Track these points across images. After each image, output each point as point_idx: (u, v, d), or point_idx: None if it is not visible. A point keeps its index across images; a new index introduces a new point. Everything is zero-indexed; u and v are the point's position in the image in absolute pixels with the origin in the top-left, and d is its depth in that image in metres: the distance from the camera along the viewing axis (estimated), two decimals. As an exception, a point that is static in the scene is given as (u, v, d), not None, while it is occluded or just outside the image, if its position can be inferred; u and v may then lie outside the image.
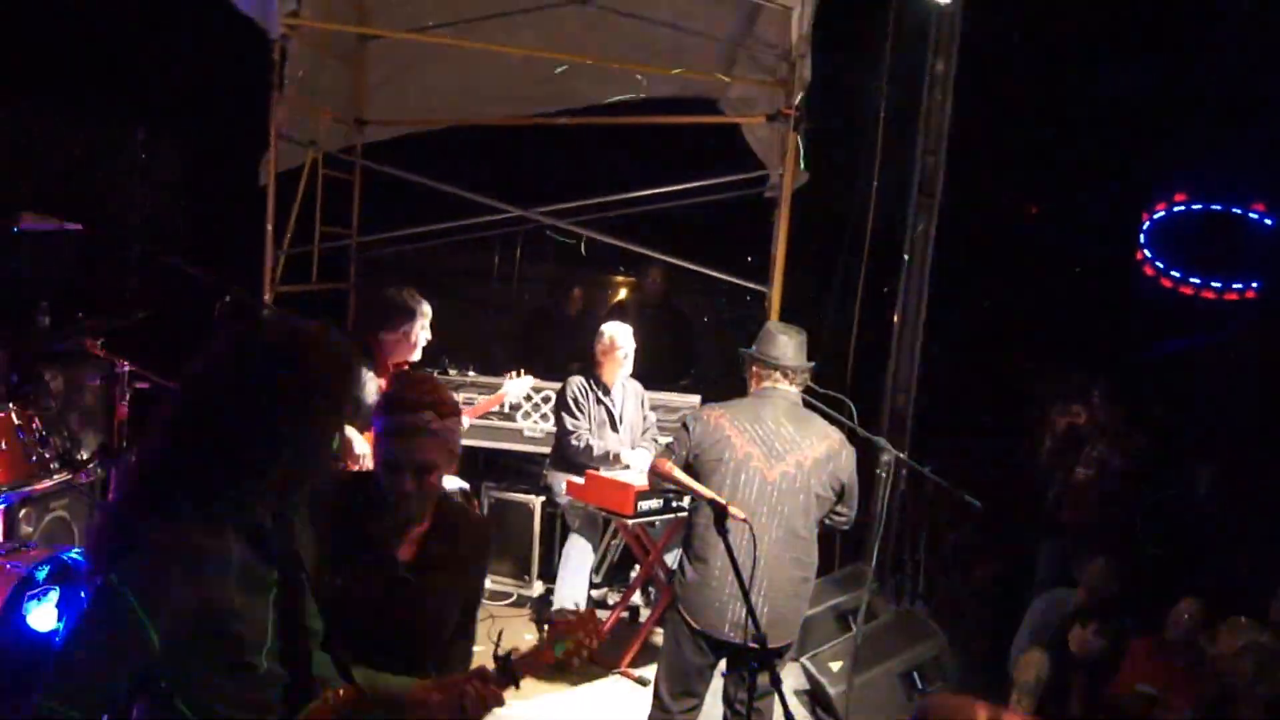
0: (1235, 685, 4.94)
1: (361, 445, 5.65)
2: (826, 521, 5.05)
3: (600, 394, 7.55)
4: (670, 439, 5.22)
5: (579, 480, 7.09)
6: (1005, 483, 8.47)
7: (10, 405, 5.54)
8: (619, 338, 7.51)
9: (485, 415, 8.08)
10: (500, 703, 2.93)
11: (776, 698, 3.69)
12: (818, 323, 8.26)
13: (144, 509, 2.24)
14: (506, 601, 8.00)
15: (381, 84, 9.30)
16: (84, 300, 5.90)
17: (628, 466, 7.21)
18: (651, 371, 8.28)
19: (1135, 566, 6.51)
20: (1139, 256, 11.95)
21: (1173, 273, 11.74)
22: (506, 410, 8.35)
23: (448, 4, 8.53)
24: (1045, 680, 5.83)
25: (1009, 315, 11.46)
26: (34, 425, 5.65)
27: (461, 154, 9.84)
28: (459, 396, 8.07)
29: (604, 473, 7.02)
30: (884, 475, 5.81)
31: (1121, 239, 11.97)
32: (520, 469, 8.77)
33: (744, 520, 4.12)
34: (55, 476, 5.74)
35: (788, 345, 5.03)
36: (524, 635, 3.43)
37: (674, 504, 6.78)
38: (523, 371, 7.55)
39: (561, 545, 7.68)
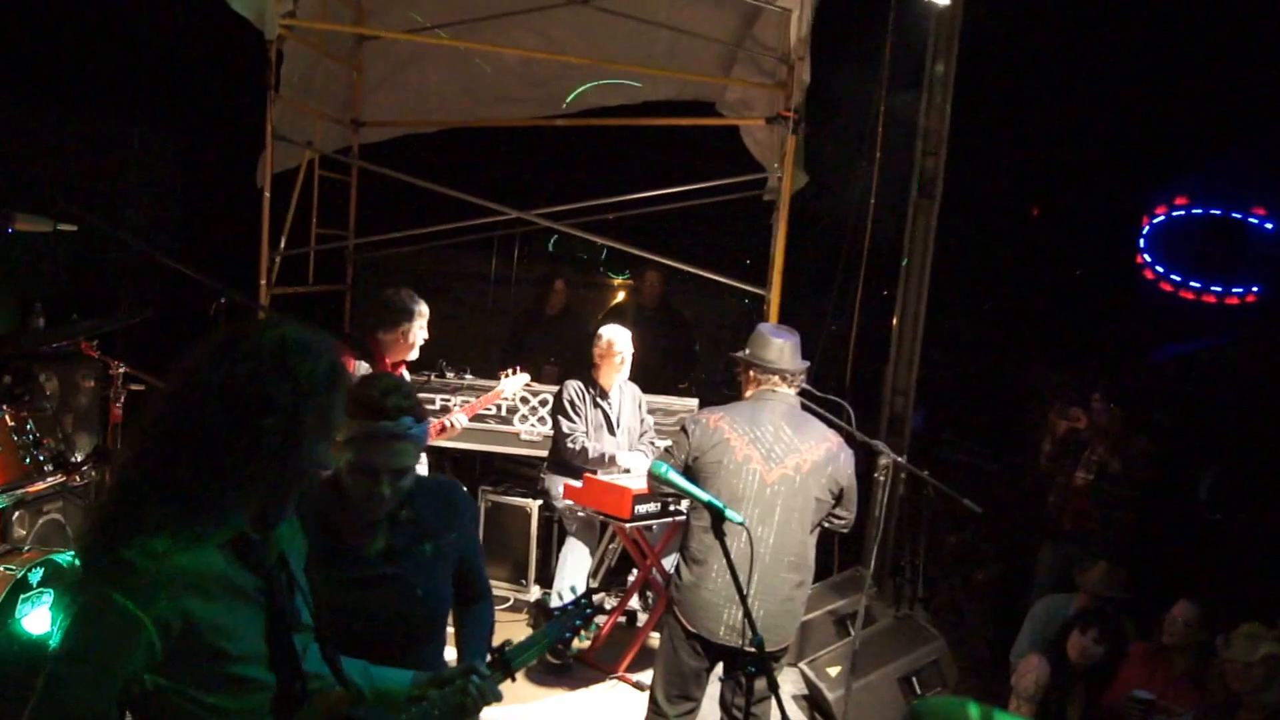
0: (1243, 692, 4.93)
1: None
2: (825, 525, 5.05)
3: (597, 397, 7.55)
4: (668, 442, 5.22)
5: (576, 483, 7.09)
6: (1005, 487, 8.49)
7: (4, 407, 5.53)
8: (616, 340, 7.51)
9: (482, 418, 8.08)
10: (498, 696, 2.93)
11: (774, 702, 3.69)
12: (816, 326, 8.28)
13: (127, 526, 2.22)
14: (504, 606, 8.00)
15: (378, 85, 9.32)
16: (78, 301, 5.90)
17: (627, 470, 7.21)
18: (650, 375, 8.28)
19: (1136, 571, 6.51)
20: (1139, 260, 11.97)
21: (1173, 277, 11.75)
22: (503, 413, 8.35)
23: (445, 5, 8.55)
24: (1045, 686, 5.82)
25: (1009, 318, 11.48)
26: (28, 427, 5.65)
27: (459, 155, 9.86)
28: (456, 399, 8.12)
29: (601, 476, 7.02)
30: (882, 479, 5.81)
31: (1122, 243, 11.99)
32: (517, 472, 8.77)
33: (741, 523, 4.12)
34: (49, 479, 5.74)
35: (783, 348, 5.03)
36: (521, 639, 3.43)
37: (671, 507, 6.78)
38: (518, 369, 7.55)
39: (559, 549, 7.68)
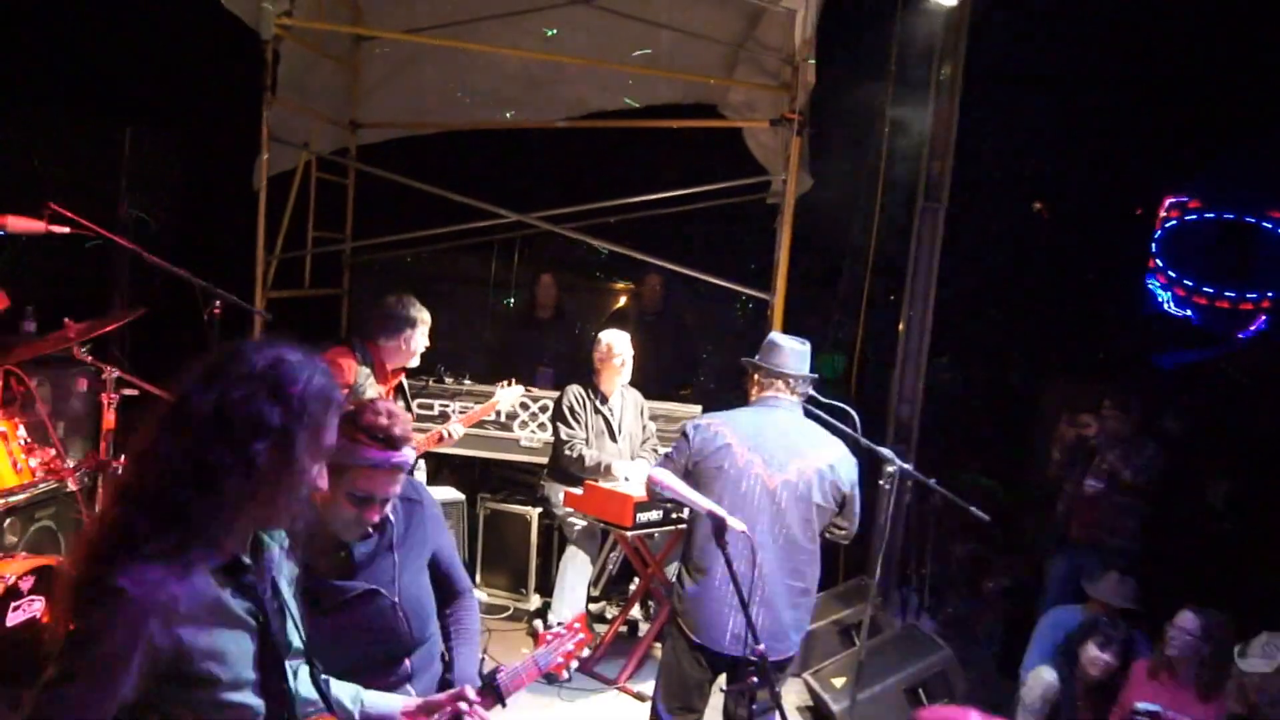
0: (1263, 704, 4.93)
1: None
2: (827, 535, 5.06)
3: (598, 403, 7.56)
4: (670, 449, 5.23)
5: (577, 491, 7.09)
6: (1013, 495, 8.49)
7: (-5, 412, 5.55)
8: (616, 345, 7.51)
9: (481, 425, 8.09)
10: None
11: (778, 714, 3.69)
12: (822, 331, 8.29)
13: (119, 555, 2.23)
14: (503, 615, 8.00)
15: (376, 86, 9.33)
16: (71, 305, 5.90)
17: (625, 479, 7.21)
18: (652, 381, 8.28)
19: (1147, 581, 6.51)
20: (1151, 265, 11.96)
21: (1185, 282, 11.75)
22: (502, 420, 8.36)
23: (444, 4, 8.55)
24: (1054, 699, 5.82)
25: (1017, 324, 11.46)
26: (19, 433, 5.65)
27: (458, 157, 9.86)
28: (454, 405, 8.13)
29: (602, 483, 7.03)
30: (888, 487, 5.80)
31: (1134, 247, 11.98)
32: (517, 480, 8.77)
33: (743, 531, 4.13)
34: (41, 485, 5.74)
35: (791, 355, 5.04)
36: (520, 650, 3.42)
37: (674, 515, 6.79)
38: (514, 380, 7.56)
39: (559, 558, 7.68)
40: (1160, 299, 11.83)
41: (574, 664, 3.32)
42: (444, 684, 3.55)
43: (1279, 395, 9.26)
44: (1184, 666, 5.41)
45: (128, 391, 5.95)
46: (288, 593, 2.58)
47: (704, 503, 4.08)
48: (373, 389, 6.18)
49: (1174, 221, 11.86)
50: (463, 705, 2.91)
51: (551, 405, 7.89)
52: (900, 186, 8.40)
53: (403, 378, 6.66)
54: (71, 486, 5.92)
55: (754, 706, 3.94)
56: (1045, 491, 7.75)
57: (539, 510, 8.11)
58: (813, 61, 7.42)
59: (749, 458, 4.85)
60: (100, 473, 5.86)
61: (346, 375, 5.98)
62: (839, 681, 6.48)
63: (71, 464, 5.89)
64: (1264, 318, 11.36)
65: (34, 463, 5.66)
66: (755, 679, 3.80)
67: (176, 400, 2.32)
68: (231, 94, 8.19)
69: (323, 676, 2.72)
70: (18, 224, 5.22)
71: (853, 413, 5.46)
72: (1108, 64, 11.01)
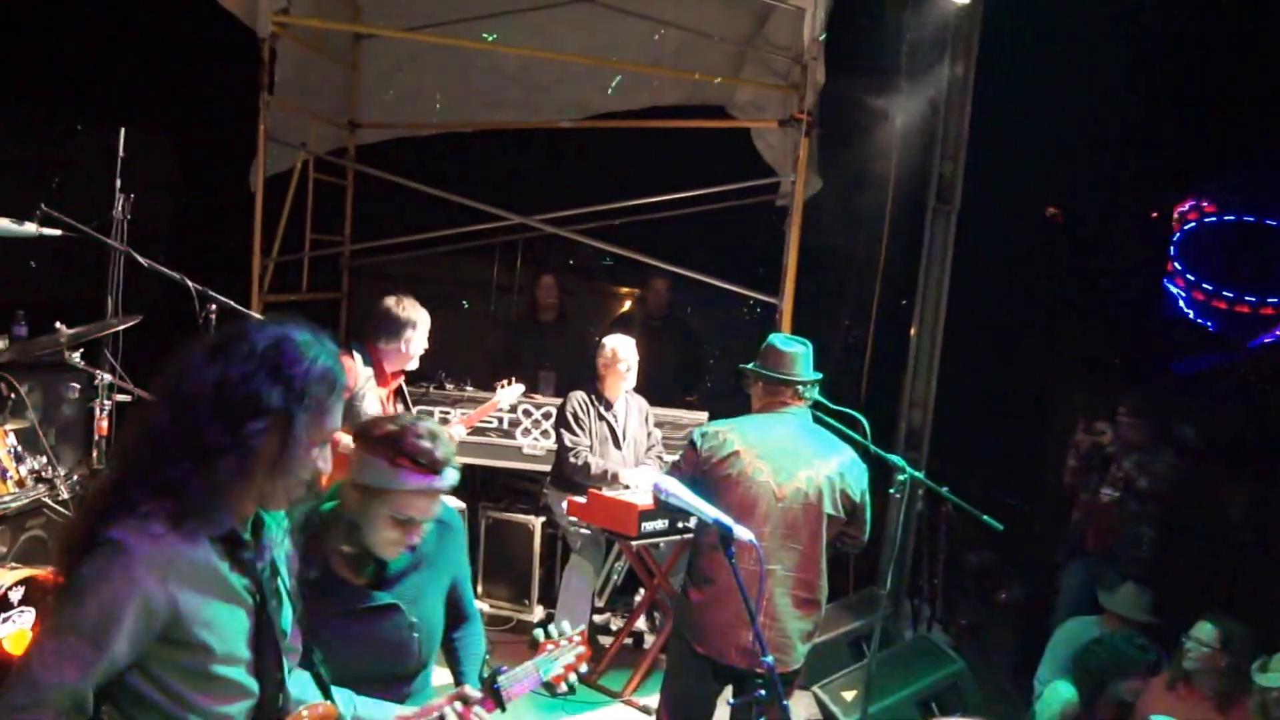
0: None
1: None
2: (836, 545, 5.04)
3: (602, 409, 7.53)
4: (676, 456, 5.21)
5: (580, 500, 7.07)
6: (1027, 503, 8.46)
7: (-16, 419, 5.55)
8: (620, 349, 7.49)
9: (483, 431, 8.08)
10: None
11: (785, 727, 3.67)
12: (831, 336, 8.27)
13: (116, 512, 2.22)
14: (505, 627, 7.98)
15: (375, 84, 9.33)
16: (62, 309, 5.89)
17: (627, 486, 7.19)
18: (657, 387, 8.27)
19: (1164, 593, 6.48)
20: (1169, 269, 11.93)
21: (1205, 286, 11.72)
22: (504, 427, 8.35)
23: (445, 1, 8.55)
24: (1075, 715, 5.79)
25: (1031, 329, 11.43)
26: (9, 440, 5.65)
27: (459, 158, 9.85)
28: (455, 411, 8.12)
29: (606, 492, 7.00)
30: (899, 495, 5.77)
31: (1151, 250, 11.95)
32: (519, 488, 8.75)
33: (751, 540, 4.10)
34: (31, 494, 5.74)
35: (795, 359, 5.02)
36: (523, 662, 3.40)
37: (680, 524, 6.77)
38: (513, 380, 7.55)
39: (562, 568, 7.67)
40: (1179, 303, 11.80)
41: (573, 676, 3.31)
42: None
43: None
44: (1202, 679, 5.38)
45: (120, 397, 5.95)
46: (286, 575, 2.58)
47: (710, 511, 4.06)
48: (373, 392, 6.18)
49: (1192, 224, 11.83)
50: (459, 705, 2.91)
51: (554, 412, 7.88)
52: (911, 188, 8.38)
53: (402, 382, 6.66)
54: (63, 495, 5.91)
55: (761, 720, 3.93)
56: (1060, 500, 7.73)
57: (542, 519, 8.09)
58: (822, 60, 7.42)
59: (757, 465, 4.83)
60: (92, 480, 5.85)
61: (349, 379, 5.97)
62: (849, 695, 6.46)
63: (62, 472, 5.89)
64: (1285, 322, 11.34)
65: (24, 471, 5.65)
66: (762, 692, 3.78)
67: (177, 376, 2.33)
68: (228, 93, 8.19)
69: (322, 675, 2.72)
70: (8, 226, 5.22)
71: (862, 419, 5.44)
72: (1124, 64, 10.98)
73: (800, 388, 5.01)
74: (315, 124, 8.65)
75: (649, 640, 7.70)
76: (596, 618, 7.89)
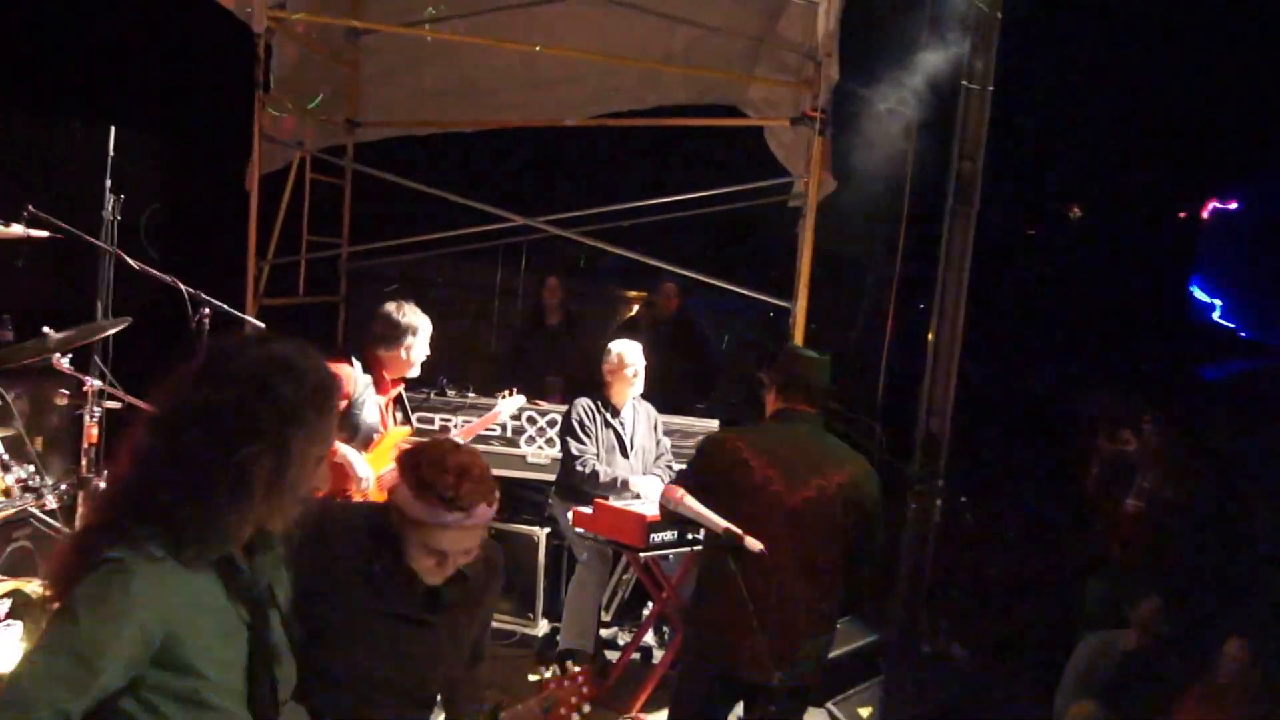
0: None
1: (363, 468, 5.70)
2: (849, 556, 5.01)
3: (609, 416, 7.51)
4: (685, 465, 5.20)
5: (586, 510, 7.04)
6: (1049, 514, 8.43)
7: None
8: (627, 355, 7.47)
9: (486, 440, 8.06)
10: None
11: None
12: (846, 341, 8.25)
13: (110, 536, 2.22)
14: (509, 641, 7.95)
15: (374, 82, 9.32)
16: (50, 313, 5.88)
17: (637, 495, 7.17)
18: (666, 394, 8.25)
19: (1191, 608, 6.45)
20: (1196, 271, 11.92)
21: (1232, 288, 11.70)
22: (507, 435, 8.33)
23: (446, -3, 8.55)
24: (1094, 731, 5.77)
25: (1054, 333, 11.42)
26: (-5, 448, 5.64)
27: (460, 157, 9.85)
28: (457, 418, 8.11)
29: (613, 502, 6.98)
30: (915, 505, 5.76)
31: (1177, 252, 11.95)
32: (523, 497, 8.71)
33: (761, 550, 4.09)
34: (18, 504, 5.72)
35: (809, 367, 5.01)
36: (528, 677, 3.38)
37: (689, 535, 6.74)
38: (515, 390, 7.53)
39: (568, 580, 7.65)
40: (1205, 307, 11.78)
41: (576, 717, 3.30)
42: None
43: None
44: (1234, 694, 5.35)
45: (110, 404, 5.94)
46: (283, 600, 2.57)
47: (720, 521, 4.05)
48: (372, 400, 6.16)
49: (1219, 226, 11.82)
50: None
51: (559, 419, 7.86)
52: (929, 188, 8.36)
53: (402, 389, 6.64)
54: (51, 505, 5.89)
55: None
56: (1083, 510, 7.70)
57: (546, 530, 8.07)
58: (835, 56, 7.40)
59: (768, 474, 4.80)
60: (81, 490, 5.83)
61: (346, 386, 5.96)
62: (865, 711, 6.43)
63: (50, 481, 5.87)
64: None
65: (10, 480, 5.64)
66: (774, 708, 3.77)
67: (167, 400, 2.33)
68: (221, 91, 8.19)
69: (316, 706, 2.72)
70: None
71: (876, 427, 5.43)
72: (1149, 62, 10.98)
73: (815, 396, 5.00)
74: (312, 122, 8.65)
75: (657, 655, 7.67)
76: (603, 631, 7.86)
